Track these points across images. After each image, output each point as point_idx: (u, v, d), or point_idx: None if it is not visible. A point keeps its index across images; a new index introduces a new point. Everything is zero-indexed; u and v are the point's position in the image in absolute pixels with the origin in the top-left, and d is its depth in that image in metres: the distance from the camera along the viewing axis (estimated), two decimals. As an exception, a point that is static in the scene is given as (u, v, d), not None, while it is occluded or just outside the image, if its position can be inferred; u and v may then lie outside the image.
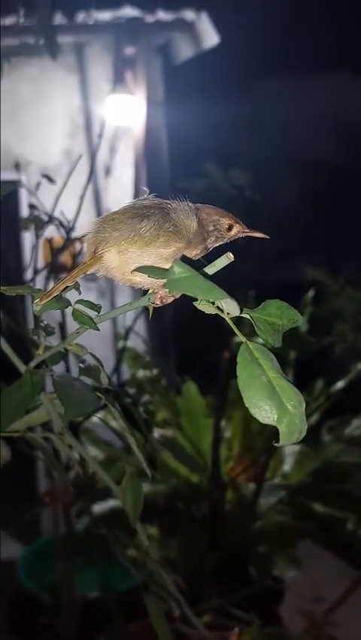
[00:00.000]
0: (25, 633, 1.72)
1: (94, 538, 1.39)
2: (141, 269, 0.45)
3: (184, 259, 0.45)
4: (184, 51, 2.64)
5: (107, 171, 2.55)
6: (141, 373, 1.85)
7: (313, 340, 1.66)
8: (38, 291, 0.57)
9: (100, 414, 1.95)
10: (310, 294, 1.93)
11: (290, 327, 0.49)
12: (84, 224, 1.24)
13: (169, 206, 0.50)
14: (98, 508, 1.63)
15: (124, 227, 0.50)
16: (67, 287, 0.52)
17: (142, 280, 0.50)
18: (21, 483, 2.09)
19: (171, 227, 0.49)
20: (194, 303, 0.50)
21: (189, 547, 1.62)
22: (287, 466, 1.87)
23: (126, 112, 2.51)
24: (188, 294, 0.43)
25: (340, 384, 1.71)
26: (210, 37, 2.51)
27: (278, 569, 1.60)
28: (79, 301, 0.58)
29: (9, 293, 0.58)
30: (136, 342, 2.01)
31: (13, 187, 0.61)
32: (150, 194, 0.52)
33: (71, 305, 0.57)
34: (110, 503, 1.65)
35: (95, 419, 1.91)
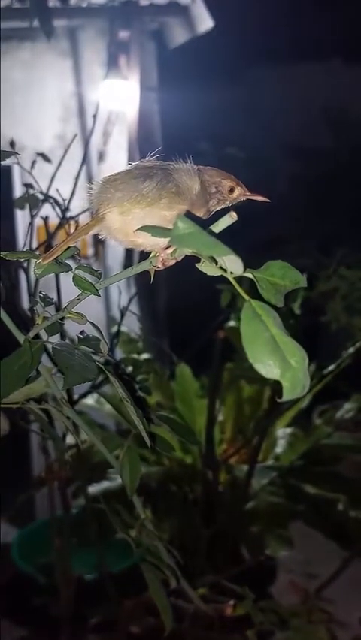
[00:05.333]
0: (20, 615, 1.73)
1: (90, 518, 1.40)
2: (144, 228, 0.46)
3: (189, 216, 0.45)
4: (178, 35, 2.62)
5: (101, 156, 2.54)
6: (136, 357, 1.85)
7: (307, 321, 1.68)
8: (38, 256, 0.57)
9: (94, 398, 1.96)
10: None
11: (292, 288, 0.50)
12: (78, 207, 1.24)
13: (172, 166, 0.51)
14: (93, 489, 1.64)
15: (127, 188, 0.50)
16: (68, 248, 0.52)
17: (144, 242, 0.50)
18: (14, 467, 2.10)
19: (173, 187, 0.49)
20: (196, 264, 0.50)
21: (183, 528, 1.64)
22: (279, 448, 1.89)
23: (120, 97, 2.49)
24: (192, 249, 0.43)
25: (331, 368, 1.72)
26: (205, 22, 2.50)
27: (270, 549, 1.62)
28: (79, 267, 0.58)
29: (9, 258, 0.58)
30: (130, 326, 2.01)
31: (9, 155, 0.61)
32: (152, 155, 0.52)
33: (71, 270, 0.57)
34: (105, 484, 1.66)
35: (89, 402, 1.91)
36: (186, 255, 0.51)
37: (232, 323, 1.75)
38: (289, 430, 1.92)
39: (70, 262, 0.62)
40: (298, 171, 3.34)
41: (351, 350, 1.60)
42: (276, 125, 3.19)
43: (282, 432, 1.92)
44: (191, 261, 0.50)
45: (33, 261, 0.63)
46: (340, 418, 1.96)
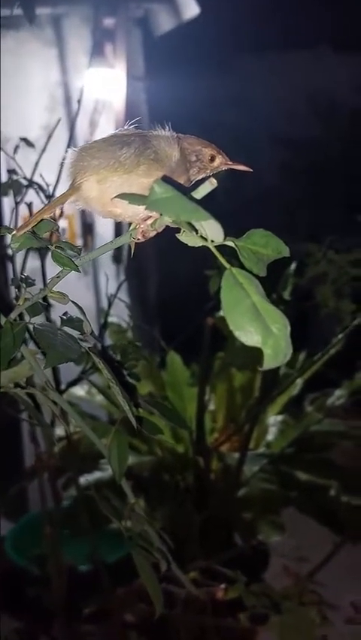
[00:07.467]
0: (15, 607, 1.73)
1: (81, 508, 1.39)
2: (122, 196, 0.44)
3: (167, 180, 0.44)
4: (164, 23, 2.60)
5: (88, 146, 2.51)
6: (125, 344, 1.84)
7: (297, 309, 1.68)
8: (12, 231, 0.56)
9: (84, 389, 1.94)
10: (293, 266, 1.93)
11: (275, 258, 0.49)
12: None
13: (150, 134, 0.50)
14: (84, 480, 1.64)
15: (103, 155, 0.49)
16: (43, 219, 0.51)
17: (123, 212, 0.49)
18: (5, 460, 2.08)
19: (152, 154, 0.48)
20: (177, 235, 0.49)
21: (175, 515, 1.64)
22: (271, 435, 1.89)
23: (106, 85, 2.47)
24: (170, 215, 0.42)
25: (319, 355, 1.72)
26: (191, 9, 2.48)
27: (263, 535, 1.62)
28: (58, 242, 0.57)
29: (-14, 234, 0.56)
30: (121, 316, 2.00)
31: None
32: (131, 124, 0.51)
33: (50, 246, 0.56)
34: (97, 475, 1.65)
35: (80, 393, 1.90)
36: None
37: (221, 312, 1.74)
38: (280, 418, 1.93)
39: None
40: (287, 160, 3.33)
41: (340, 336, 1.59)
42: (265, 114, 3.17)
43: (273, 419, 1.93)
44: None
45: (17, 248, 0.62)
46: (331, 405, 1.97)
